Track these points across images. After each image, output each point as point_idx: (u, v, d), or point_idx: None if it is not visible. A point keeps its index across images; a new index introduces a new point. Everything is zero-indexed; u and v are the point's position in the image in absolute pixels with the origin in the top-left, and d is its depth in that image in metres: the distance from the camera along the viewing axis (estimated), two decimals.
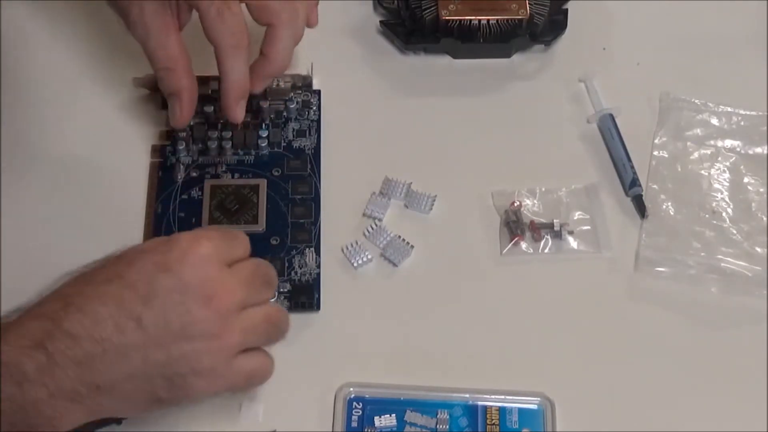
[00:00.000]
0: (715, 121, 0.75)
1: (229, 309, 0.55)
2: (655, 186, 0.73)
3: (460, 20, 0.76)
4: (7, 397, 0.50)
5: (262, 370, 0.58)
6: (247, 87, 0.66)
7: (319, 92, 0.76)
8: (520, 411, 0.63)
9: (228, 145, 0.73)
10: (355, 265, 0.69)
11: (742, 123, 0.75)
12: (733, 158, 0.74)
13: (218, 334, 0.54)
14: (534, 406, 0.63)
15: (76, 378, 0.51)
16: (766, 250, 0.69)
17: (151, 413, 0.57)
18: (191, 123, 0.73)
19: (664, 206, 0.72)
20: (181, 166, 0.72)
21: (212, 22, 0.61)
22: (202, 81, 0.75)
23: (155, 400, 0.54)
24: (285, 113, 0.75)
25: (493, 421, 0.63)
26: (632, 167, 0.72)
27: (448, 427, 0.62)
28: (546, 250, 0.70)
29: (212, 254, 0.55)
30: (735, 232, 0.70)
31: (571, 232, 0.70)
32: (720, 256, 0.69)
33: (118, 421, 0.61)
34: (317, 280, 0.68)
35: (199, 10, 0.61)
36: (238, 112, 0.66)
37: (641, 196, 0.72)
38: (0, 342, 0.51)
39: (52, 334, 0.51)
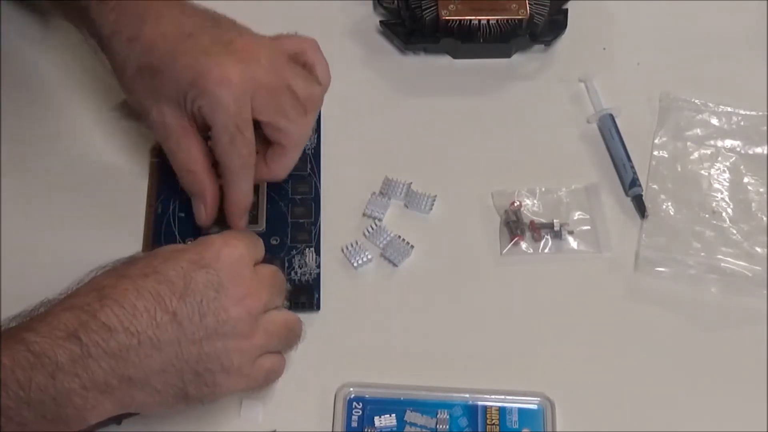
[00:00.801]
0: (715, 121, 0.75)
1: (258, 310, 0.57)
2: (655, 186, 0.73)
3: (460, 20, 0.76)
4: (38, 387, 0.51)
5: (277, 369, 0.59)
6: (250, 201, 0.66)
7: None
8: (520, 411, 0.63)
9: None
10: (355, 265, 0.69)
11: (742, 123, 0.75)
12: (733, 158, 0.74)
13: (248, 334, 0.56)
14: (534, 406, 0.63)
15: (110, 370, 0.52)
16: (766, 250, 0.69)
17: (176, 410, 0.58)
18: None
19: (664, 206, 0.72)
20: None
21: (224, 148, 0.62)
22: None
23: (183, 395, 0.55)
24: None
25: (493, 421, 0.63)
26: (632, 167, 0.72)
27: (448, 427, 0.62)
28: (546, 250, 0.70)
29: (244, 255, 0.57)
30: (735, 232, 0.70)
31: (571, 232, 0.70)
32: (720, 256, 0.69)
33: (118, 421, 0.61)
34: (317, 280, 0.68)
35: (213, 135, 0.62)
36: (241, 224, 0.67)
37: (641, 196, 0.72)
38: (30, 333, 0.51)
39: (87, 326, 0.52)
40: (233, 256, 0.56)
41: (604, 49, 0.80)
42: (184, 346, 0.54)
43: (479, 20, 0.76)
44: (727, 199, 0.72)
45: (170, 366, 0.54)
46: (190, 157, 0.64)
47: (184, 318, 0.54)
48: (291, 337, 0.60)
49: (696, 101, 0.76)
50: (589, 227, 0.71)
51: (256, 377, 0.58)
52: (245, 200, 0.65)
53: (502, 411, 0.63)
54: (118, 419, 0.61)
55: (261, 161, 0.65)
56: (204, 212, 0.66)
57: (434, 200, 0.71)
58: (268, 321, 0.58)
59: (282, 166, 0.66)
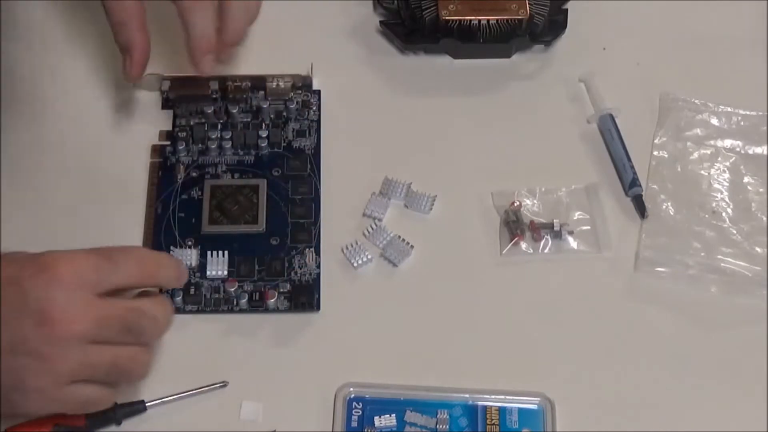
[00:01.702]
0: (715, 121, 0.75)
1: (67, 337, 0.53)
2: (655, 186, 0.73)
3: (460, 20, 0.76)
4: None
5: (97, 401, 0.57)
6: (212, 41, 0.66)
7: (319, 92, 0.76)
8: (520, 411, 0.63)
9: (228, 145, 0.73)
10: (355, 265, 0.69)
11: (742, 123, 0.75)
12: (733, 158, 0.74)
13: (47, 358, 0.53)
14: (534, 406, 0.63)
15: None
16: (766, 250, 0.69)
17: None
18: (191, 123, 0.74)
19: (664, 206, 0.72)
20: (181, 166, 0.72)
21: None
22: (202, 81, 0.75)
23: None
24: (285, 113, 0.75)
25: (493, 421, 0.63)
26: (632, 167, 0.72)
27: (448, 427, 0.62)
28: (546, 250, 0.70)
29: (71, 278, 0.53)
30: (735, 232, 0.70)
31: (571, 232, 0.70)
32: (720, 256, 0.69)
33: (118, 421, 0.61)
34: (317, 280, 0.68)
35: None
36: (205, 65, 0.67)
37: (641, 196, 0.72)
38: None
39: None
40: (53, 277, 0.53)
41: (604, 49, 0.80)
42: None
43: (479, 20, 0.76)
44: (727, 199, 0.72)
45: None
46: (122, 9, 0.65)
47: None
48: (116, 375, 0.57)
49: (696, 101, 0.76)
50: (589, 227, 0.71)
51: (68, 403, 0.55)
52: (205, 36, 0.65)
53: (502, 411, 0.63)
54: (117, 419, 0.61)
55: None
56: (129, 65, 0.66)
57: (434, 200, 0.71)
58: (90, 353, 0.54)
59: (229, 23, 0.66)
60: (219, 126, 0.74)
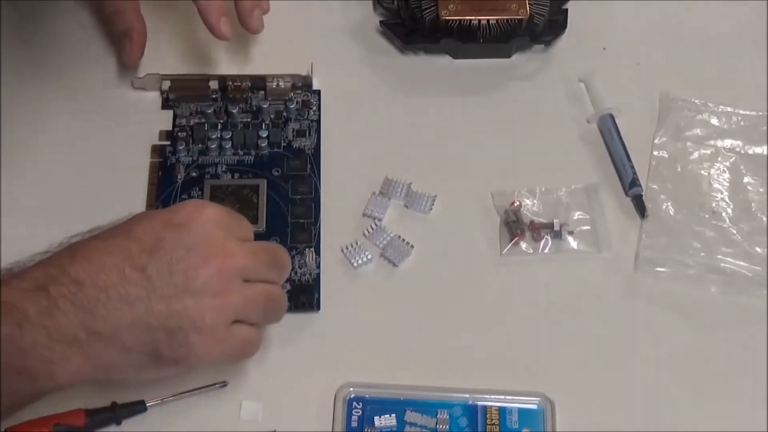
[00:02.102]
0: (715, 121, 0.75)
1: (231, 271, 0.56)
2: (655, 186, 0.73)
3: (460, 20, 0.76)
4: (6, 337, 0.51)
5: (254, 341, 0.58)
6: (224, 3, 0.69)
7: (319, 92, 0.76)
8: (520, 411, 0.63)
9: (228, 145, 0.73)
10: (355, 265, 0.69)
11: (742, 123, 0.75)
12: (733, 158, 0.74)
13: (220, 293, 0.55)
14: (534, 406, 0.63)
15: (77, 322, 0.52)
16: (766, 250, 0.69)
17: (151, 376, 0.56)
18: (191, 123, 0.74)
19: (664, 206, 0.72)
20: (181, 166, 0.72)
21: None
22: (202, 81, 0.75)
23: (155, 355, 0.54)
24: (285, 113, 0.75)
25: (493, 421, 0.63)
26: (632, 167, 0.72)
27: (448, 427, 0.62)
28: (546, 250, 0.70)
29: (217, 219, 0.56)
30: (735, 232, 0.70)
31: (571, 232, 0.70)
32: (720, 256, 0.69)
33: (118, 421, 0.61)
34: (317, 280, 0.68)
35: None
36: (223, 30, 0.69)
37: (641, 196, 0.72)
38: (1, 285, 0.52)
39: (55, 279, 0.52)
40: (205, 218, 0.56)
41: (604, 49, 0.80)
42: (154, 302, 0.53)
43: (479, 20, 0.76)
44: (727, 199, 0.72)
45: (140, 321, 0.53)
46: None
47: (153, 274, 0.53)
48: (272, 309, 0.59)
49: (696, 101, 0.76)
50: (589, 227, 0.71)
51: (232, 344, 0.56)
52: (216, 4, 0.68)
53: (502, 411, 0.63)
54: (117, 419, 0.61)
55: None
56: (129, 49, 0.70)
57: (434, 200, 0.71)
58: (246, 287, 0.57)
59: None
60: (219, 126, 0.74)
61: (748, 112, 0.76)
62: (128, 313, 0.53)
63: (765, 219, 0.71)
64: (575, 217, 0.71)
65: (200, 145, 0.73)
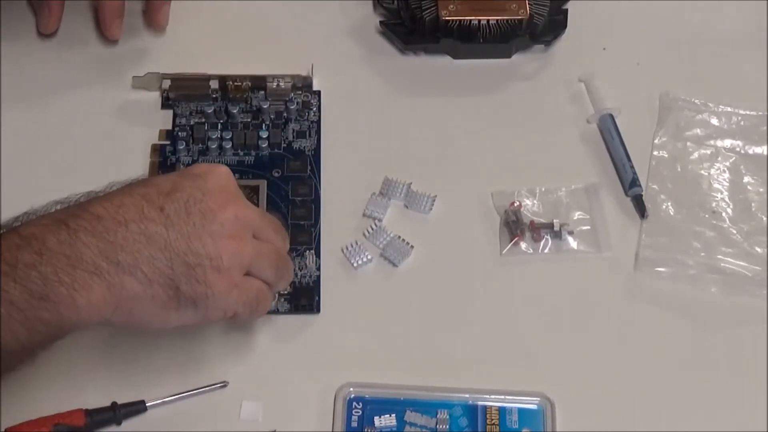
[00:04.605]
0: (715, 121, 0.75)
1: (246, 219, 0.57)
2: (655, 186, 0.73)
3: (460, 20, 0.76)
4: (25, 264, 0.51)
5: (267, 296, 0.59)
6: (122, 6, 0.73)
7: (319, 93, 0.76)
8: (520, 411, 0.63)
9: (228, 145, 0.73)
10: (355, 265, 0.69)
11: (742, 123, 0.75)
12: (733, 158, 0.74)
13: (236, 236, 0.56)
14: (534, 406, 0.63)
15: (98, 251, 0.52)
16: (766, 250, 0.69)
17: (171, 317, 0.55)
18: (191, 123, 0.74)
19: (664, 206, 0.72)
20: (181, 166, 0.72)
21: None
22: (202, 81, 0.75)
23: (175, 290, 0.54)
24: (285, 114, 0.75)
25: (493, 421, 0.63)
26: (632, 167, 0.72)
27: (448, 427, 0.62)
28: (546, 250, 0.70)
29: (231, 177, 0.58)
30: (735, 232, 0.70)
31: (571, 232, 0.70)
32: (720, 256, 0.69)
33: (118, 421, 0.61)
34: (317, 282, 0.68)
35: None
36: (114, 30, 0.74)
37: (641, 196, 0.72)
38: (22, 226, 0.53)
39: (75, 215, 0.53)
40: (221, 173, 0.57)
41: (604, 49, 0.80)
42: (173, 237, 0.54)
43: (479, 20, 0.76)
44: (727, 199, 0.72)
45: (159, 254, 0.54)
46: None
47: (172, 212, 0.54)
48: (282, 268, 0.60)
49: (696, 101, 0.76)
50: (589, 227, 0.71)
51: (246, 292, 0.57)
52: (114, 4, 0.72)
53: (502, 411, 0.63)
54: (117, 419, 0.61)
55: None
56: (47, 16, 0.74)
57: (434, 200, 0.71)
58: (258, 242, 0.58)
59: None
60: (219, 126, 0.74)
61: (748, 112, 0.76)
62: (148, 246, 0.53)
63: (765, 219, 0.71)
64: (575, 217, 0.71)
65: (200, 145, 0.73)
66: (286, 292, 0.67)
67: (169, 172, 0.71)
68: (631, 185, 0.72)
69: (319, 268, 0.68)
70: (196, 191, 0.55)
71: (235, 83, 0.75)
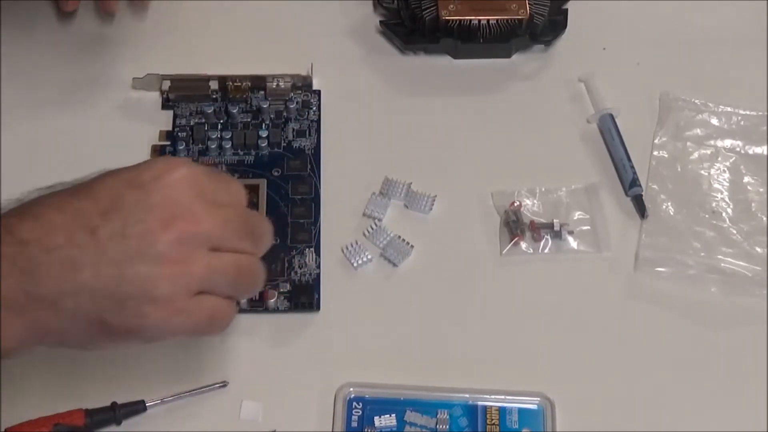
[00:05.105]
0: (715, 121, 0.75)
1: (194, 238, 0.50)
2: (655, 186, 0.73)
3: (460, 20, 0.76)
4: None
5: (223, 314, 0.53)
6: None
7: (319, 92, 0.76)
8: (520, 411, 0.63)
9: (228, 145, 0.73)
10: (355, 265, 0.69)
11: (742, 123, 0.75)
12: (733, 158, 0.74)
13: (178, 260, 0.50)
14: (534, 406, 0.63)
15: (17, 285, 0.48)
16: (766, 250, 0.69)
17: (105, 346, 0.52)
18: (191, 123, 0.74)
19: (664, 206, 0.72)
20: None
21: None
22: (202, 81, 0.75)
23: (101, 324, 0.50)
24: (285, 113, 0.75)
25: (493, 421, 0.63)
26: (632, 167, 0.72)
27: (448, 427, 0.62)
28: (546, 250, 0.70)
29: (188, 181, 0.51)
30: (735, 232, 0.70)
31: (571, 232, 0.70)
32: (720, 256, 0.69)
33: (118, 421, 0.61)
34: (317, 280, 0.68)
35: None
36: (111, 5, 0.74)
37: (641, 196, 0.72)
38: None
39: (1, 241, 0.48)
40: (175, 178, 0.51)
41: (604, 49, 0.80)
42: (103, 267, 0.49)
43: (479, 20, 0.76)
44: (727, 199, 0.72)
45: (86, 288, 0.49)
46: None
47: (105, 236, 0.49)
48: (243, 282, 0.53)
49: (696, 101, 0.76)
50: (589, 227, 0.71)
51: (195, 316, 0.51)
52: None
53: (502, 411, 0.63)
54: (117, 419, 0.61)
55: None
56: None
57: (434, 200, 0.71)
58: (214, 257, 0.51)
59: None
60: (219, 126, 0.74)
61: (748, 112, 0.76)
62: (73, 278, 0.49)
63: (765, 219, 0.71)
64: (575, 217, 0.71)
65: (200, 145, 0.73)
66: (285, 290, 0.67)
67: None
68: (631, 185, 0.72)
69: (318, 266, 0.68)
70: (137, 209, 0.50)
71: (235, 83, 0.75)
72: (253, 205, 0.70)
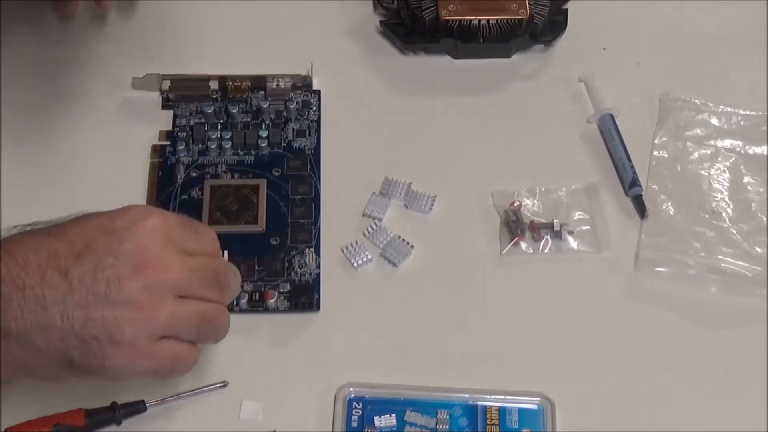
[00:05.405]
0: (715, 121, 0.75)
1: (162, 286, 0.53)
2: (655, 186, 0.73)
3: (460, 20, 0.76)
4: None
5: (186, 359, 0.56)
6: None
7: (319, 92, 0.76)
8: (520, 411, 0.63)
9: (228, 145, 0.73)
10: (355, 265, 0.69)
11: (742, 123, 0.75)
12: (733, 158, 0.74)
13: (144, 307, 0.53)
14: (534, 406, 0.63)
15: None
16: (766, 250, 0.69)
17: (70, 380, 0.54)
18: (191, 123, 0.74)
19: (664, 206, 0.72)
20: (181, 166, 0.72)
21: None
22: (202, 81, 0.75)
23: (67, 361, 0.52)
24: (285, 113, 0.75)
25: (493, 421, 0.63)
26: (632, 167, 0.72)
27: (448, 427, 0.62)
28: (546, 250, 0.70)
29: (160, 230, 0.54)
30: (735, 232, 0.70)
31: (571, 232, 0.70)
32: (720, 256, 0.69)
33: (118, 421, 0.61)
34: (317, 280, 0.68)
35: None
36: (106, 3, 0.73)
37: (641, 196, 0.72)
38: None
39: None
40: (146, 227, 0.54)
41: (604, 49, 0.80)
42: (71, 308, 0.51)
43: (479, 20, 0.76)
44: (727, 199, 0.72)
45: (54, 326, 0.51)
46: None
47: (75, 279, 0.51)
48: (206, 329, 0.56)
49: (696, 101, 0.76)
50: (589, 227, 0.71)
51: (157, 359, 0.54)
52: None
53: (502, 411, 0.63)
54: (117, 419, 0.61)
55: None
56: (69, 3, 0.73)
57: (434, 200, 0.71)
58: (180, 304, 0.54)
59: None
60: (219, 126, 0.74)
61: (748, 112, 0.76)
62: (42, 316, 0.51)
63: (765, 219, 0.71)
64: (575, 217, 0.71)
65: (200, 145, 0.73)
66: (285, 290, 0.67)
67: (168, 175, 0.71)
68: (631, 185, 0.72)
69: (318, 266, 0.68)
70: (108, 255, 0.52)
71: (235, 83, 0.75)
72: (252, 204, 0.70)
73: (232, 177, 0.72)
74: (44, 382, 0.54)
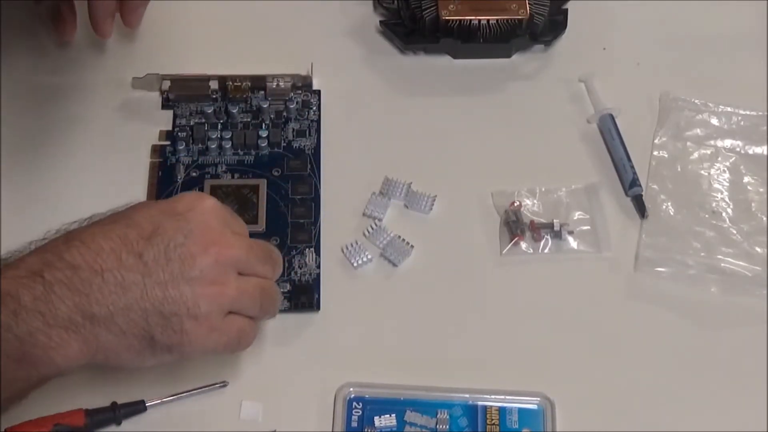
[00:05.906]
0: (715, 121, 0.75)
1: (228, 262, 0.56)
2: (655, 186, 0.73)
3: (460, 20, 0.76)
4: (2, 326, 0.51)
5: (249, 333, 0.58)
6: (114, 6, 0.71)
7: (319, 92, 0.76)
8: (520, 411, 0.63)
9: (228, 145, 0.73)
10: (355, 265, 0.69)
11: (742, 123, 0.75)
12: (733, 158, 0.74)
13: (216, 281, 0.55)
14: (534, 406, 0.63)
15: (73, 306, 0.52)
16: (766, 250, 0.69)
17: (146, 362, 0.56)
18: (191, 123, 0.74)
19: (664, 206, 0.72)
20: (181, 166, 0.72)
21: None
22: (202, 81, 0.75)
23: (150, 340, 0.54)
24: (285, 113, 0.75)
25: (493, 421, 0.63)
26: (632, 167, 0.72)
27: (448, 427, 0.62)
28: (546, 250, 0.70)
29: (216, 211, 0.57)
30: (735, 232, 0.70)
31: (571, 232, 0.70)
32: (720, 256, 0.69)
33: (118, 421, 0.61)
34: (317, 280, 0.68)
35: None
36: (105, 29, 0.72)
37: (641, 196, 0.72)
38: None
39: (51, 265, 0.52)
40: (205, 208, 0.57)
41: (604, 49, 0.80)
42: (149, 287, 0.54)
43: (479, 20, 0.76)
44: (727, 199, 0.72)
45: (135, 305, 0.53)
46: None
47: (150, 259, 0.54)
48: (267, 303, 0.59)
49: (696, 101, 0.76)
50: (589, 227, 0.71)
51: (227, 333, 0.56)
52: (106, 3, 0.70)
53: (502, 411, 0.63)
54: (117, 420, 0.61)
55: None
56: (62, 28, 0.74)
57: (434, 200, 0.71)
58: (242, 279, 0.57)
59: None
60: (219, 126, 0.74)
61: (748, 112, 0.76)
62: (123, 297, 0.53)
63: (765, 219, 0.71)
64: (575, 217, 0.71)
65: (200, 145, 0.73)
66: (285, 290, 0.67)
67: (168, 175, 0.71)
68: (631, 185, 0.72)
69: (318, 266, 0.68)
70: (178, 234, 0.55)
71: (235, 83, 0.75)
72: (252, 204, 0.70)
73: (232, 177, 0.72)
74: (119, 367, 0.56)
